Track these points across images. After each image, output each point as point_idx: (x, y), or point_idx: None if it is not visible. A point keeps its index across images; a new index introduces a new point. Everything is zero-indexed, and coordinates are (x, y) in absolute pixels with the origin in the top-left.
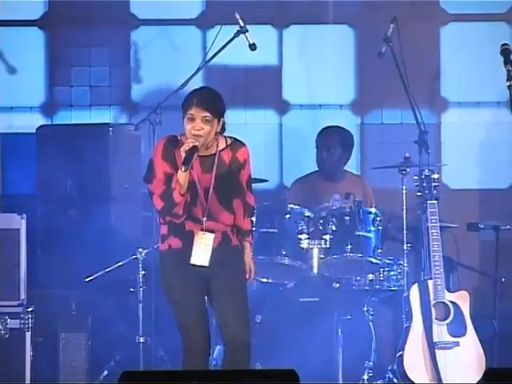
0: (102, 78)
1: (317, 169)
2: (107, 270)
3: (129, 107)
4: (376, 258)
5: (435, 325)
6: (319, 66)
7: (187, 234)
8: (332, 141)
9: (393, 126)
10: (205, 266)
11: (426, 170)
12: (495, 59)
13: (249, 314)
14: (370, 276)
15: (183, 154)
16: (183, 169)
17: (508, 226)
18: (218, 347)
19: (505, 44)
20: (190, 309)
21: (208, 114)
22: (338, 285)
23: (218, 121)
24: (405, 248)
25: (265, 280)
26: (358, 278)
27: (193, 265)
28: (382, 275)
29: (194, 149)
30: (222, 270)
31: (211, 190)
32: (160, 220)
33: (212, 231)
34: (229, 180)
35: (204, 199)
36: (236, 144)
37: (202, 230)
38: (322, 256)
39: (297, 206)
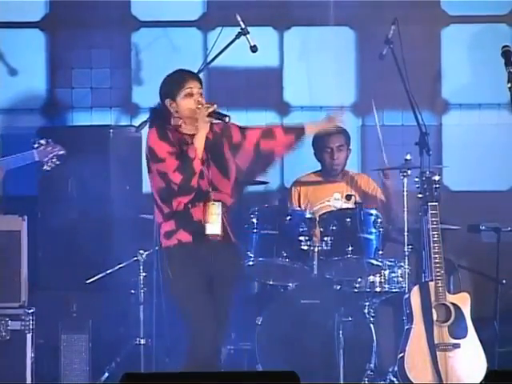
0: (103, 79)
1: (315, 169)
2: (108, 271)
3: (130, 109)
4: (377, 260)
5: (436, 327)
6: (320, 68)
7: (196, 225)
8: (339, 139)
9: (394, 128)
10: (217, 235)
11: (427, 172)
12: (496, 61)
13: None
14: (371, 278)
15: (206, 117)
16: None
17: (509, 228)
18: None
19: (506, 46)
20: (202, 304)
21: (201, 88)
22: (338, 286)
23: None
24: (406, 250)
25: (266, 282)
26: (359, 279)
27: (206, 235)
28: (382, 277)
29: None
30: (222, 271)
31: (209, 161)
32: (162, 217)
33: (218, 201)
34: (219, 149)
35: (207, 170)
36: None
37: (210, 200)
38: (323, 258)
39: (298, 208)
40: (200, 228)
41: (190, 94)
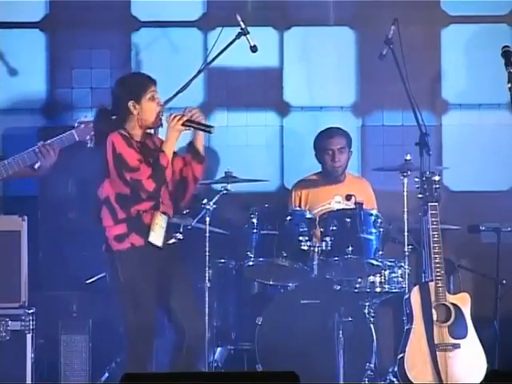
0: (103, 79)
1: (316, 170)
2: None
3: None
4: (377, 260)
5: (436, 327)
6: (320, 68)
7: (146, 230)
8: (341, 141)
9: (394, 128)
10: (158, 246)
11: (427, 172)
12: (496, 61)
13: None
14: (371, 278)
15: (180, 126)
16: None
17: (509, 228)
18: (218, 349)
19: (506, 46)
20: (152, 306)
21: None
22: (338, 287)
23: None
24: (406, 250)
25: (266, 282)
26: (359, 279)
27: (150, 243)
28: (383, 277)
29: None
30: (174, 270)
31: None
32: (113, 221)
33: (166, 213)
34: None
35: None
36: None
37: (158, 209)
38: (323, 258)
39: (298, 208)
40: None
41: (153, 98)
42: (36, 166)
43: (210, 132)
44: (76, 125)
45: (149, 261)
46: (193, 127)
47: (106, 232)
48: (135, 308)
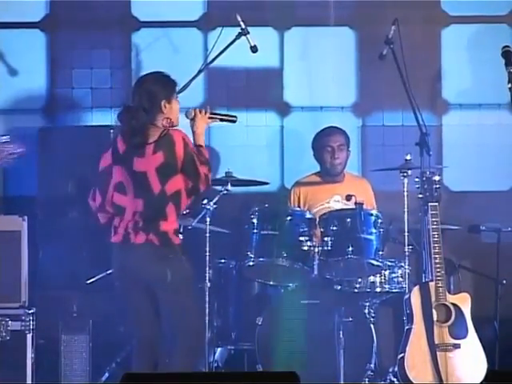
0: (103, 79)
1: (315, 170)
2: (108, 271)
3: None
4: (377, 260)
5: (436, 327)
6: (320, 68)
7: None
8: (340, 139)
9: (394, 128)
10: None
11: (427, 172)
12: (496, 61)
13: None
14: (371, 278)
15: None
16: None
17: (509, 228)
18: (219, 349)
19: (506, 46)
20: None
21: None
22: (339, 287)
23: None
24: (406, 250)
25: (266, 282)
26: (360, 280)
27: None
28: (383, 277)
29: None
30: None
31: None
32: (176, 215)
33: None
34: None
35: None
36: None
37: None
38: (323, 258)
39: (298, 209)
40: None
41: (177, 98)
42: None
43: (234, 121)
44: None
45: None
46: (218, 119)
47: (166, 226)
48: (195, 302)
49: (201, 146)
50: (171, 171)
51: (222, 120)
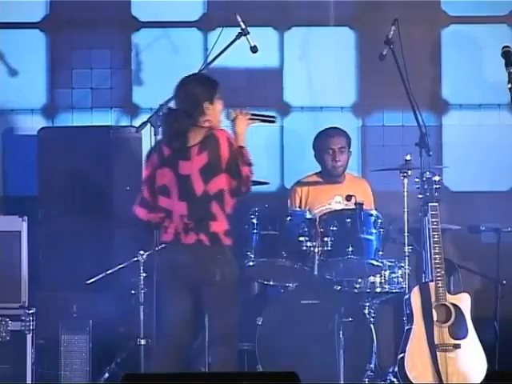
0: (103, 80)
1: (316, 170)
2: (108, 272)
3: (130, 109)
4: (377, 261)
5: (436, 327)
6: (320, 68)
7: None
8: (341, 141)
9: (394, 128)
10: None
11: (427, 172)
12: (496, 61)
13: None
14: (371, 278)
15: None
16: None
17: (509, 229)
18: None
19: (506, 46)
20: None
21: None
22: (339, 287)
23: None
24: (406, 250)
25: (266, 282)
26: (360, 280)
27: None
28: (383, 277)
29: None
30: None
31: None
32: (223, 215)
33: None
34: None
35: None
36: None
37: None
38: (323, 258)
39: (298, 209)
40: None
41: (220, 99)
42: None
43: (273, 122)
44: None
45: None
46: (259, 119)
47: (216, 226)
48: (238, 304)
49: (242, 147)
50: (215, 171)
51: (262, 121)
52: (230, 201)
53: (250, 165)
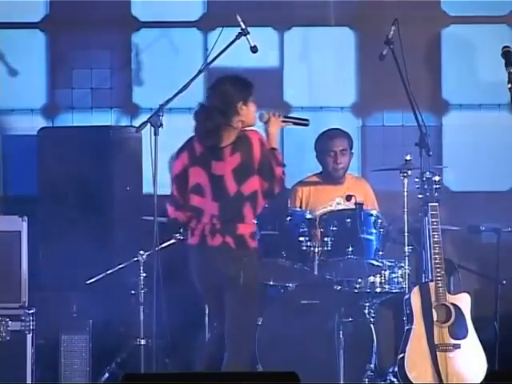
0: (103, 80)
1: (316, 170)
2: (108, 272)
3: (130, 109)
4: (377, 261)
5: (436, 327)
6: (320, 68)
7: None
8: (342, 143)
9: (394, 128)
10: None
11: (427, 173)
12: (496, 61)
13: None
14: (371, 278)
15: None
16: None
17: (509, 229)
18: None
19: (506, 46)
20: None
21: None
22: (339, 287)
23: None
24: (406, 250)
25: (266, 282)
26: (360, 280)
27: None
28: (383, 277)
29: None
30: None
31: None
32: (253, 217)
33: None
34: None
35: None
36: None
37: None
38: (323, 258)
39: (298, 209)
40: None
41: (254, 100)
42: None
43: (306, 125)
44: None
45: None
46: (291, 122)
47: (243, 228)
48: (258, 307)
49: (275, 148)
50: (248, 172)
51: (294, 123)
52: (261, 202)
53: (282, 166)
